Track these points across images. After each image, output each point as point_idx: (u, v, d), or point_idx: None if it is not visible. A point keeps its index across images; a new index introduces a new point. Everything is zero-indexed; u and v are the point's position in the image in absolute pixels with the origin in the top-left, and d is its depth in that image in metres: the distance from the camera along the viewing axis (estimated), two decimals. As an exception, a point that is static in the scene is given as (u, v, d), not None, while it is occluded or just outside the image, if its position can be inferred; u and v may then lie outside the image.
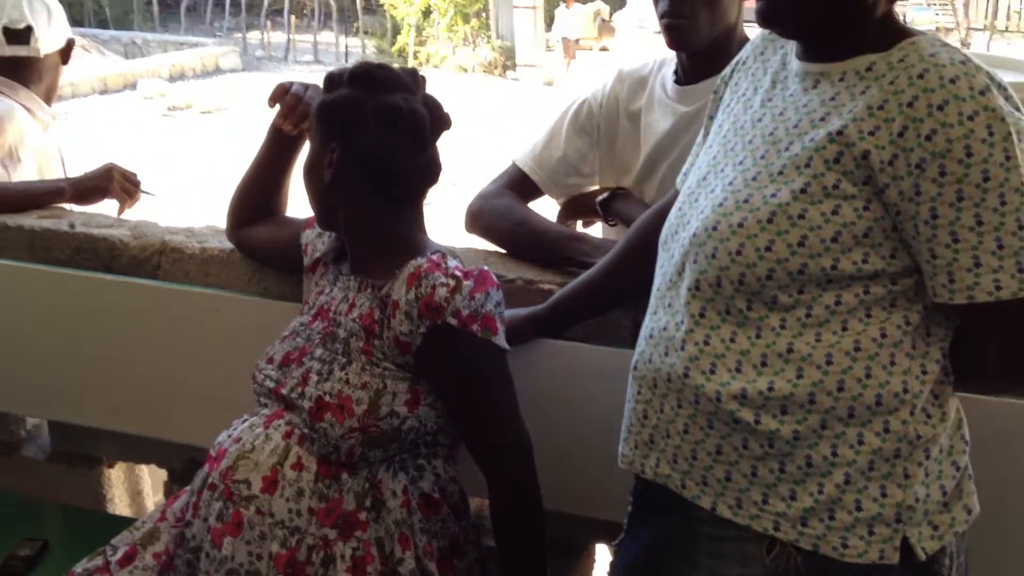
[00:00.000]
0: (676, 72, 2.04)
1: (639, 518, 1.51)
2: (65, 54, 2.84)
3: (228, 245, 2.18)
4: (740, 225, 1.33)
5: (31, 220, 2.38)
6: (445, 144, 1.78)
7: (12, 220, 2.37)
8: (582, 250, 1.97)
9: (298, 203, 2.07)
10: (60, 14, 2.81)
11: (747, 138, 1.42)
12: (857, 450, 1.31)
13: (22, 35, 2.70)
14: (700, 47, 1.93)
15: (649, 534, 1.47)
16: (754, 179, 1.36)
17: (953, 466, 1.38)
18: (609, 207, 2.12)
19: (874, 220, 1.29)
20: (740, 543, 1.36)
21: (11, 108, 2.64)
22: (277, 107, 1.99)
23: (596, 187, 2.21)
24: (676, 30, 1.90)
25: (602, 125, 2.15)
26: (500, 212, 2.11)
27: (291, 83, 2.00)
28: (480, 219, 2.13)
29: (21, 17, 2.67)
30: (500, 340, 1.67)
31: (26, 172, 2.63)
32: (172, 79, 16.07)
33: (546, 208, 2.19)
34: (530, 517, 1.71)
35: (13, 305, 2.31)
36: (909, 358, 1.32)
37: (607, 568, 1.57)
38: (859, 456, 1.31)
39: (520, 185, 2.17)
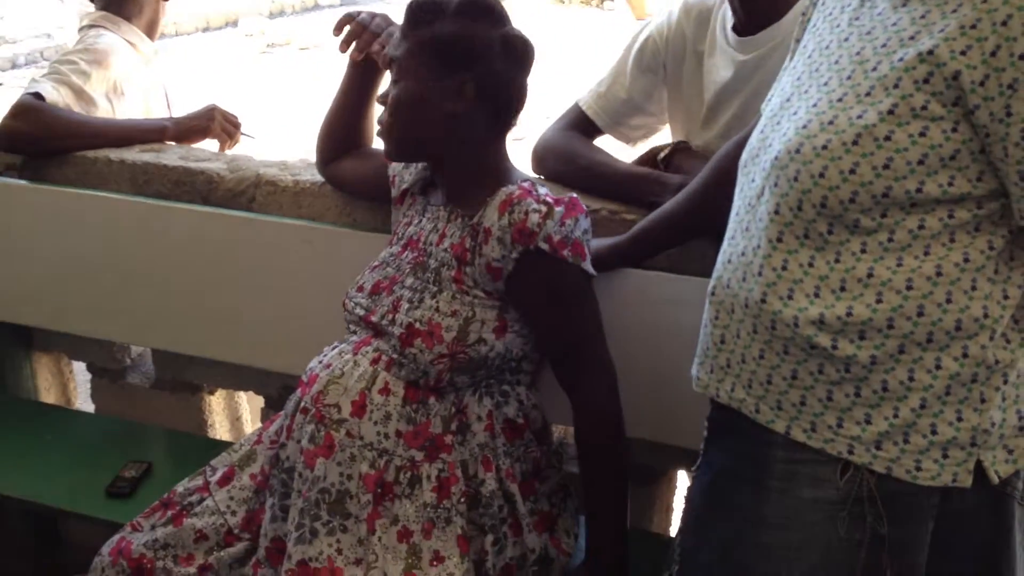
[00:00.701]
0: (733, 18, 1.95)
1: (714, 443, 1.52)
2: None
3: (320, 178, 2.21)
4: (824, 147, 1.31)
5: (133, 154, 2.45)
6: (538, 77, 1.77)
7: (115, 154, 2.45)
8: (651, 190, 1.95)
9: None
10: None
11: (833, 58, 1.39)
12: (934, 375, 1.30)
13: None
14: None
15: (723, 458, 1.48)
16: (839, 100, 1.33)
17: None
18: (671, 162, 2.06)
19: (962, 142, 1.26)
20: (813, 466, 1.36)
21: (115, 42, 2.69)
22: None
23: (666, 125, 2.16)
24: None
25: (668, 63, 2.07)
26: (566, 155, 2.07)
27: (357, 12, 2.02)
28: (546, 162, 2.10)
29: None
30: (588, 266, 1.70)
31: (130, 106, 2.69)
32: (272, 16, 16.20)
33: (613, 146, 2.15)
34: (613, 441, 1.73)
35: (116, 237, 2.39)
36: (991, 283, 1.30)
37: (685, 493, 1.58)
38: (936, 381, 1.30)
39: (584, 127, 2.12)
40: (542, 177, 2.09)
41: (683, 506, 1.58)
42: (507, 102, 1.74)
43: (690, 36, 2.04)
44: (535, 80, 1.77)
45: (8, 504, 2.27)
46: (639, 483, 2.00)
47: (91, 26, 2.72)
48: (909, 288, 1.29)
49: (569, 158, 2.07)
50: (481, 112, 1.73)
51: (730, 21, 1.96)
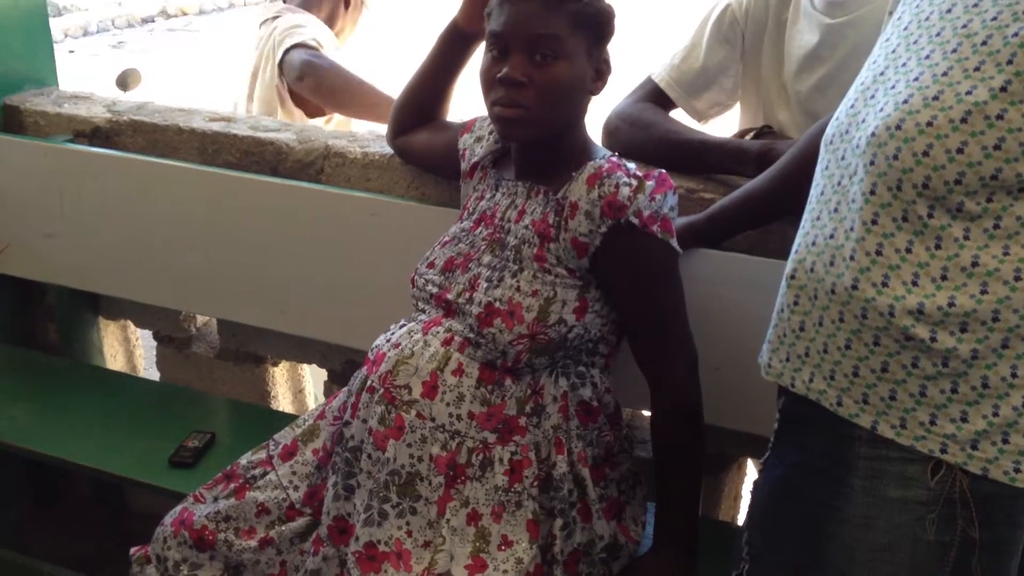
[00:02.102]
0: None
1: (786, 436, 1.45)
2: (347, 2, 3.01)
3: (388, 150, 2.18)
4: (929, 124, 1.23)
5: (202, 123, 2.44)
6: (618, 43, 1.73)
7: (184, 123, 2.44)
8: (729, 157, 1.90)
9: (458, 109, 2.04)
10: None
11: (934, 30, 1.31)
12: None
13: None
14: None
15: (798, 452, 1.42)
16: (944, 74, 1.25)
17: None
18: None
19: None
20: (902, 464, 1.30)
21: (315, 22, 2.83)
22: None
23: (737, 102, 2.09)
24: None
25: (747, 34, 2.01)
26: (639, 124, 2.02)
27: None
28: (619, 134, 2.05)
29: None
30: (676, 243, 1.66)
31: None
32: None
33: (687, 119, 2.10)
34: (691, 424, 1.70)
35: (185, 206, 2.38)
36: None
37: (752, 486, 1.52)
38: None
39: (656, 100, 2.07)
40: (614, 150, 2.04)
41: (749, 501, 1.52)
42: (608, 76, 1.72)
43: (773, 4, 1.98)
44: (621, 46, 1.72)
45: (76, 471, 2.29)
46: (707, 471, 1.96)
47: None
48: (1018, 279, 1.22)
49: (642, 127, 2.02)
50: (597, 87, 1.71)
51: None
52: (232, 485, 1.88)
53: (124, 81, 4.73)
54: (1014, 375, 1.24)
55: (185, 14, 13.79)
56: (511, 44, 1.63)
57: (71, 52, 11.83)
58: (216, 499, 1.88)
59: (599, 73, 1.69)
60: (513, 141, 1.74)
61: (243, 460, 1.92)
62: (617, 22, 1.70)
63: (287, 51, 2.75)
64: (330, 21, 2.98)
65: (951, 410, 1.26)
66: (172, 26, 13.29)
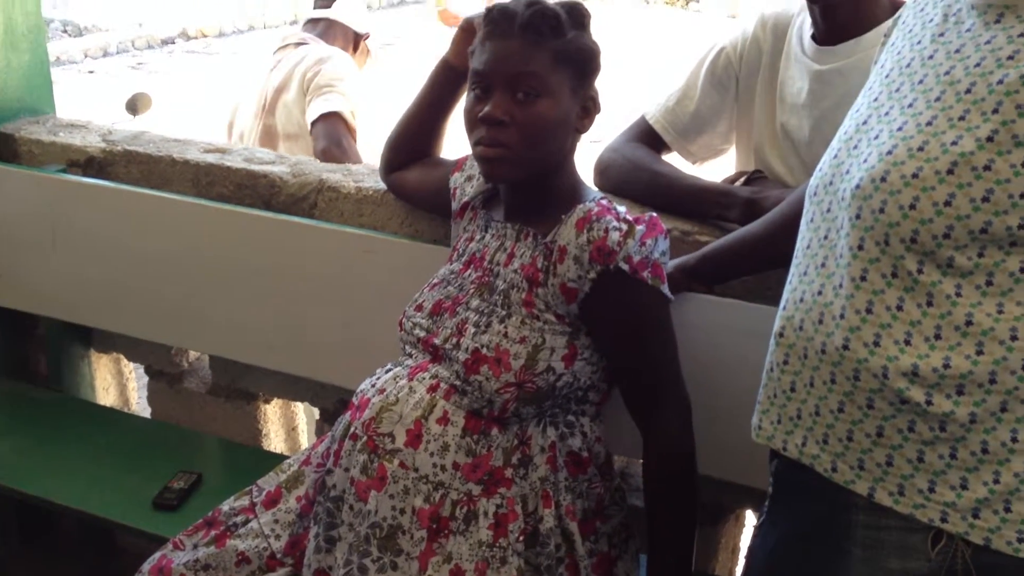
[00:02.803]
0: (812, 29, 1.86)
1: (781, 501, 1.40)
2: (357, 41, 3.29)
3: (383, 186, 2.15)
4: (915, 175, 1.19)
5: (196, 154, 2.41)
6: (612, 81, 1.69)
7: (179, 154, 2.42)
8: (719, 203, 1.87)
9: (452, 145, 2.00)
10: (363, 7, 3.33)
11: (916, 78, 1.27)
12: None
13: (327, 2, 3.24)
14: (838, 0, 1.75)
15: (794, 519, 1.37)
16: (929, 124, 1.21)
17: None
18: None
19: None
20: (901, 533, 1.24)
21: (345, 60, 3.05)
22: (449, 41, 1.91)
23: (731, 147, 2.06)
24: None
25: (741, 78, 1.98)
26: (632, 165, 1.99)
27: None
28: (610, 173, 2.02)
29: None
30: (667, 289, 1.62)
31: None
32: (359, 11, 16.34)
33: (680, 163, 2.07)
34: (684, 474, 1.65)
35: (178, 239, 2.35)
36: None
37: (746, 552, 1.46)
38: None
39: (649, 141, 2.04)
40: (604, 189, 2.00)
41: (744, 567, 1.47)
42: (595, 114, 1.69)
43: (767, 49, 1.95)
44: (617, 83, 1.68)
45: (60, 511, 2.26)
46: (703, 522, 1.90)
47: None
48: (1014, 339, 1.17)
49: (633, 169, 1.99)
50: (585, 126, 1.68)
51: (808, 31, 1.87)
52: (212, 532, 1.84)
53: (134, 105, 4.73)
54: (1014, 440, 1.19)
55: (205, 36, 13.87)
56: (493, 82, 1.59)
57: (91, 72, 11.90)
58: (196, 546, 1.83)
59: (585, 110, 1.65)
60: (497, 181, 1.70)
61: (225, 506, 1.87)
62: (604, 59, 1.66)
63: (324, 115, 2.94)
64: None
65: (950, 476, 1.21)
66: (192, 48, 13.37)
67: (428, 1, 16.40)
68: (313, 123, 2.95)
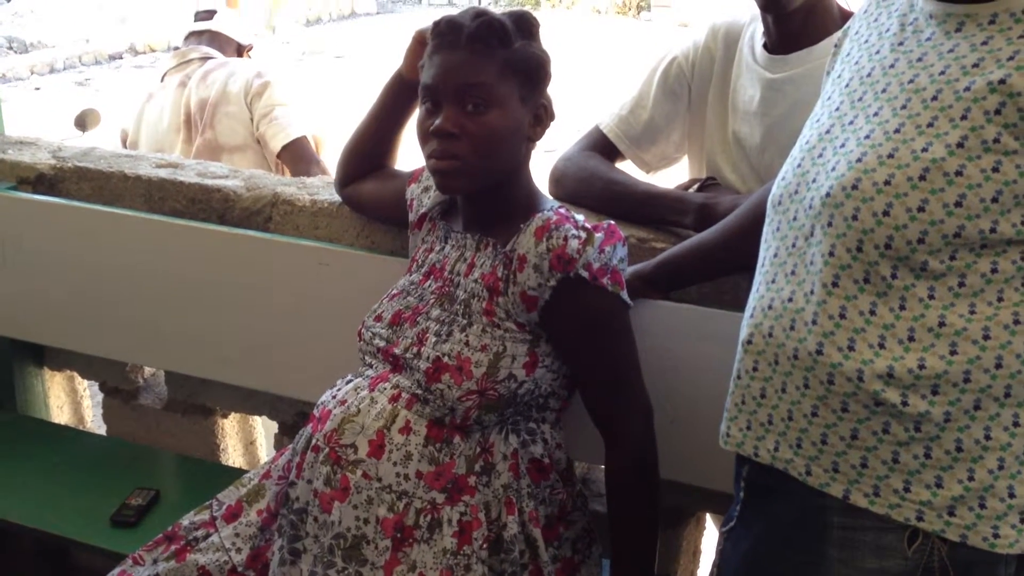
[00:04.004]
0: (764, 37, 1.89)
1: (753, 506, 1.40)
2: (240, 51, 3.32)
3: (338, 198, 2.14)
4: (887, 183, 1.21)
5: (149, 170, 2.39)
6: (565, 90, 1.70)
7: (130, 169, 2.39)
8: (672, 209, 1.89)
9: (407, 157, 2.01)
10: (248, 18, 3.36)
11: (879, 87, 1.29)
12: (1012, 432, 1.21)
13: (207, 15, 3.27)
14: (792, 8, 1.77)
15: (767, 523, 1.38)
16: (897, 131, 1.23)
17: None
18: None
19: None
20: (877, 534, 1.26)
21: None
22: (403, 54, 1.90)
23: (684, 155, 2.09)
24: None
25: (693, 87, 2.01)
26: (586, 174, 2.01)
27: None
28: (564, 182, 2.03)
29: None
30: (626, 295, 1.63)
31: None
32: (308, 24, 16.30)
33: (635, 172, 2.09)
34: (646, 478, 1.66)
35: (129, 255, 2.33)
36: None
37: (716, 556, 1.48)
38: (1014, 439, 1.21)
39: (603, 150, 2.06)
40: (558, 198, 2.01)
41: (715, 573, 1.47)
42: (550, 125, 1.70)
43: (718, 57, 1.97)
44: (570, 91, 1.70)
45: (16, 530, 2.22)
46: (665, 525, 1.92)
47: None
48: (986, 338, 1.20)
49: (587, 176, 2.00)
50: (539, 135, 1.68)
51: (760, 40, 1.89)
52: (173, 547, 1.82)
53: (83, 121, 4.69)
54: (987, 437, 1.21)
55: (153, 51, 13.76)
56: (442, 95, 1.60)
57: (37, 89, 11.76)
58: (156, 561, 1.82)
59: (537, 119, 1.66)
60: (452, 193, 1.71)
61: (185, 521, 1.86)
62: (557, 68, 1.67)
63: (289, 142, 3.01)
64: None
65: (925, 476, 1.23)
66: (140, 63, 13.25)
67: (380, 14, 16.37)
68: (280, 151, 3.00)
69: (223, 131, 3.03)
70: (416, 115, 1.69)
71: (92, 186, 2.42)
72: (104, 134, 4.32)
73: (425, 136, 1.62)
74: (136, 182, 2.37)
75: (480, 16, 1.60)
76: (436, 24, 1.63)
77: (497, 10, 1.66)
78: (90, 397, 2.93)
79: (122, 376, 2.63)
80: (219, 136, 3.02)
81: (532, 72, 1.63)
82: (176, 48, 3.35)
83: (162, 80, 3.20)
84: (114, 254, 2.34)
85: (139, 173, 2.38)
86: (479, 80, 1.58)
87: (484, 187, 1.65)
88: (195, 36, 3.26)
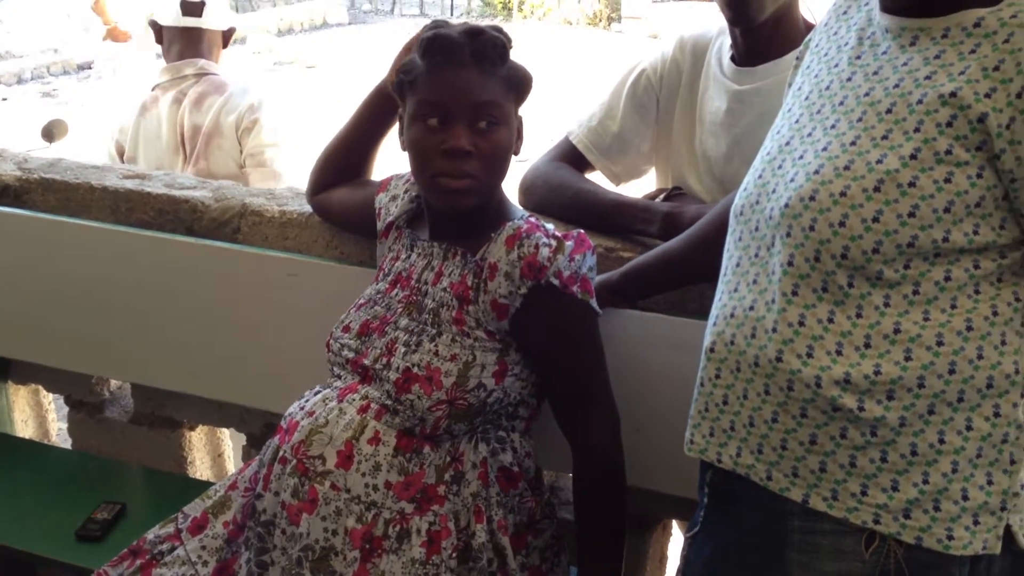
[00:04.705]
0: (731, 50, 1.91)
1: (716, 511, 1.42)
2: (226, 37, 3.19)
3: (307, 208, 2.14)
4: (843, 194, 1.24)
5: (116, 181, 2.38)
6: (537, 100, 1.71)
7: (97, 181, 2.38)
8: (640, 218, 1.90)
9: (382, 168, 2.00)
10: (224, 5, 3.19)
11: (836, 99, 1.32)
12: (965, 436, 1.24)
13: (196, 8, 3.05)
14: (760, 22, 1.79)
15: (730, 528, 1.40)
16: (853, 143, 1.26)
17: None
18: None
19: (986, 189, 1.21)
20: (835, 537, 1.28)
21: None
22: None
23: (652, 167, 2.11)
24: (738, 4, 1.76)
25: (661, 99, 2.03)
26: (554, 183, 2.03)
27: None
28: (534, 192, 2.05)
29: None
30: (596, 303, 1.64)
31: None
32: (280, 34, 16.25)
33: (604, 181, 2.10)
34: (613, 486, 1.67)
35: (96, 267, 2.31)
36: (1019, 336, 1.25)
37: (681, 561, 1.49)
38: (967, 443, 1.24)
39: (573, 160, 2.08)
40: (528, 208, 2.01)
41: None
42: None
43: (686, 70, 1.99)
44: (540, 102, 1.71)
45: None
46: (631, 532, 1.92)
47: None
48: (940, 344, 1.22)
49: (556, 186, 2.02)
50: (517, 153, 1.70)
51: (727, 53, 1.91)
52: (138, 562, 1.81)
53: (50, 132, 4.66)
54: (941, 441, 1.23)
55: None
56: (454, 113, 1.58)
57: (4, 100, 11.65)
58: (122, 576, 1.80)
59: (519, 134, 1.68)
60: (462, 211, 1.65)
61: (150, 535, 1.85)
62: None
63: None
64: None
65: (882, 479, 1.25)
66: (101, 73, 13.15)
67: (351, 24, 16.37)
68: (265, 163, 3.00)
69: (216, 162, 2.98)
70: (399, 128, 1.69)
71: (58, 197, 2.40)
72: (71, 145, 4.30)
73: (431, 154, 1.60)
74: (103, 193, 2.35)
75: (480, 33, 1.60)
76: (431, 41, 1.60)
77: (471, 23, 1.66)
78: (55, 411, 2.90)
79: (88, 389, 2.61)
80: (212, 166, 2.98)
81: (524, 89, 1.65)
82: (159, 53, 3.22)
83: (152, 91, 3.09)
84: (80, 266, 2.32)
85: (106, 184, 2.36)
86: (492, 98, 1.59)
87: (482, 203, 1.66)
88: (183, 34, 3.07)
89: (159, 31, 3.11)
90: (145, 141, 3.07)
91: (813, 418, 1.27)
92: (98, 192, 2.36)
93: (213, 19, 3.10)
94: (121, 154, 3.13)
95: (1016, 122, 1.17)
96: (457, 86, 1.59)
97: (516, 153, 1.68)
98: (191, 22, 3.05)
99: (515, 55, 1.66)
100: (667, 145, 2.05)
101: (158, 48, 3.20)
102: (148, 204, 2.31)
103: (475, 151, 1.58)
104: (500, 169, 1.63)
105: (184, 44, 3.07)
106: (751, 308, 1.33)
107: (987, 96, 1.18)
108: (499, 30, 1.65)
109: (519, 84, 1.64)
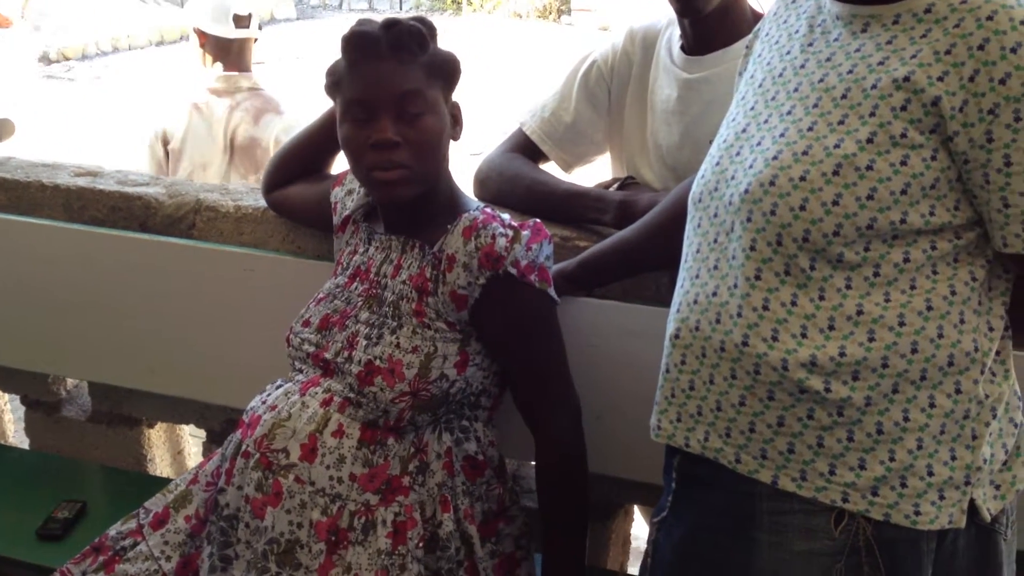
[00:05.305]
0: (681, 39, 1.94)
1: (685, 496, 1.44)
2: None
3: (262, 203, 2.14)
4: (802, 178, 1.26)
5: (67, 179, 2.36)
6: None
7: (48, 179, 2.36)
8: (592, 207, 1.93)
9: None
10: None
11: (791, 86, 1.34)
12: (929, 413, 1.26)
13: (246, 21, 3.30)
14: (708, 11, 1.81)
15: (699, 512, 1.41)
16: (810, 129, 1.28)
17: (1011, 423, 1.35)
18: None
19: (940, 170, 1.24)
20: (805, 516, 1.30)
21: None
22: None
23: (605, 153, 2.13)
24: None
25: (613, 89, 2.05)
26: (509, 174, 2.04)
27: None
28: (488, 182, 2.07)
29: (248, 4, 3.29)
30: (554, 292, 1.66)
31: None
32: (257, 39, 16.04)
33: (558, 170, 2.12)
34: (575, 473, 1.69)
35: (50, 265, 2.29)
36: (977, 315, 1.28)
37: (648, 545, 1.50)
38: (931, 420, 1.26)
39: (527, 151, 2.09)
40: (484, 199, 2.02)
41: (648, 563, 1.49)
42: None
43: (636, 61, 2.02)
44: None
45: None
46: (594, 518, 1.95)
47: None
48: (902, 324, 1.25)
49: (511, 177, 2.04)
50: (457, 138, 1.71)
51: (677, 43, 1.94)
52: (101, 558, 1.80)
53: (-4, 132, 4.58)
54: (906, 419, 1.26)
55: (67, 59, 13.42)
56: (377, 106, 1.60)
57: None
58: (84, 574, 1.80)
59: (455, 119, 1.69)
60: (399, 202, 1.68)
61: (112, 531, 1.84)
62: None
63: None
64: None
65: (849, 458, 1.27)
66: (52, 72, 12.94)
67: (299, 20, 16.22)
68: None
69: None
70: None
71: (9, 196, 2.37)
72: (19, 144, 4.23)
73: (361, 150, 1.62)
74: (55, 191, 2.33)
75: (394, 24, 1.62)
76: (348, 39, 1.63)
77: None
78: (11, 411, 2.87)
79: (44, 389, 2.58)
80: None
81: (450, 74, 1.66)
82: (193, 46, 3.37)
83: (206, 94, 3.28)
84: (34, 265, 2.30)
85: (57, 182, 2.34)
86: (413, 87, 1.60)
87: (424, 192, 1.66)
88: (233, 44, 3.29)
89: (204, 38, 3.30)
90: (195, 137, 3.25)
91: (780, 400, 1.29)
92: (50, 190, 2.33)
93: (255, 29, 3.35)
94: (164, 143, 3.30)
95: (968, 105, 1.20)
96: (377, 79, 1.60)
97: (455, 139, 1.70)
98: (243, 34, 3.29)
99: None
100: (619, 135, 2.07)
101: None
102: (101, 201, 2.30)
103: (403, 141, 1.60)
104: (433, 156, 1.64)
105: (234, 53, 3.30)
106: (714, 294, 1.35)
107: (940, 80, 1.21)
108: (420, 19, 1.66)
109: (444, 69, 1.65)
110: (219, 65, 3.30)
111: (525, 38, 14.96)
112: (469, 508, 1.69)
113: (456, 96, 1.71)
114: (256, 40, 3.39)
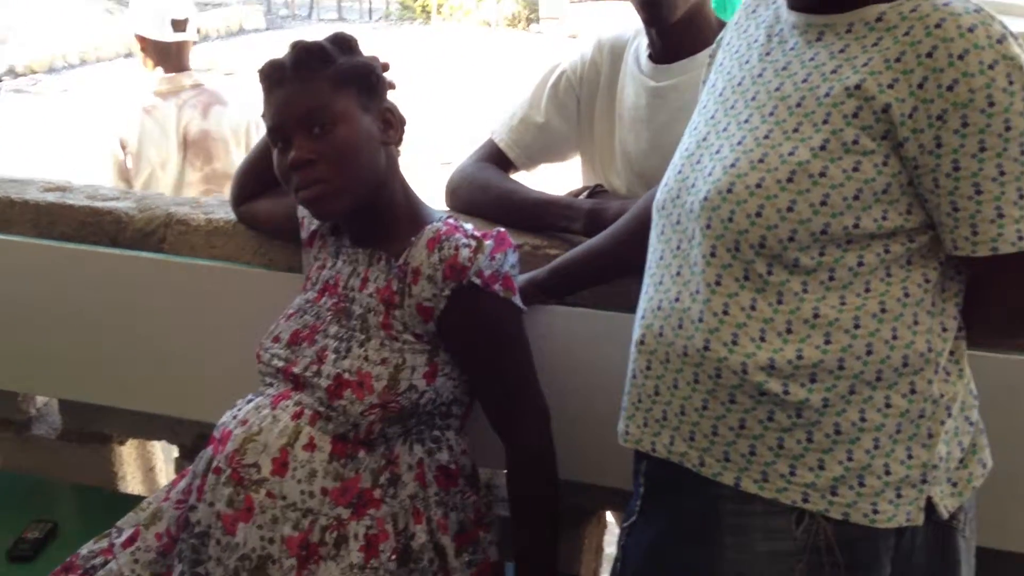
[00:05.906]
0: (648, 49, 1.96)
1: (653, 499, 1.45)
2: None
3: (233, 216, 2.13)
4: (758, 185, 1.28)
5: (36, 194, 2.34)
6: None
7: (17, 194, 2.34)
8: (562, 215, 1.94)
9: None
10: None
11: (748, 95, 1.37)
12: (885, 413, 1.28)
13: (183, 24, 3.46)
14: (674, 20, 1.84)
15: (667, 515, 1.43)
16: (766, 137, 1.30)
17: (967, 421, 1.37)
18: None
19: (892, 176, 1.26)
20: (766, 518, 1.32)
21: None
22: None
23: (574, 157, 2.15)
24: (652, 5, 1.82)
25: (582, 98, 2.07)
26: (480, 184, 2.05)
27: None
28: (460, 193, 2.08)
29: (185, 9, 3.45)
30: (519, 300, 1.67)
31: None
32: (196, 42, 16.01)
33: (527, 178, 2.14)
34: (545, 480, 1.69)
35: (19, 282, 2.27)
36: (930, 316, 1.30)
37: (618, 550, 1.51)
38: (887, 420, 1.28)
39: (497, 161, 2.11)
40: (449, 210, 2.06)
41: (618, 567, 1.50)
42: (403, 129, 1.73)
43: (605, 71, 2.04)
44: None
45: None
46: (567, 525, 1.95)
47: None
48: (857, 327, 1.27)
49: (481, 187, 2.05)
50: (395, 143, 1.71)
51: (644, 52, 1.96)
52: (72, 578, 1.78)
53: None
54: (863, 419, 1.28)
55: (34, 72, 13.35)
56: (289, 130, 1.62)
57: None
58: (55, 594, 1.78)
59: (387, 123, 1.69)
60: (331, 218, 1.71)
61: (83, 550, 1.83)
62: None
63: None
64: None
65: (808, 459, 1.29)
66: (18, 86, 12.85)
67: (269, 30, 16.19)
68: None
69: (230, 164, 3.35)
70: None
71: (-25, 214, 2.35)
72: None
73: (286, 175, 1.65)
74: (23, 207, 2.31)
75: (295, 45, 1.65)
76: (261, 69, 1.66)
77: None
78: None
79: (13, 407, 2.56)
80: (228, 168, 3.35)
81: (364, 79, 1.66)
82: (128, 55, 3.58)
83: (151, 96, 3.42)
84: (2, 282, 2.28)
85: (26, 198, 2.32)
86: (316, 103, 1.61)
87: (359, 203, 1.67)
88: (172, 47, 3.45)
89: (145, 43, 3.46)
90: (150, 139, 3.38)
91: (741, 403, 1.31)
92: (18, 206, 2.31)
93: (193, 32, 3.52)
94: (123, 147, 3.38)
95: (918, 111, 1.22)
96: (284, 103, 1.63)
97: (393, 143, 1.70)
98: (181, 37, 3.46)
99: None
100: (589, 144, 2.09)
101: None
102: (70, 216, 2.28)
103: (318, 157, 1.61)
104: (353, 165, 1.63)
105: (174, 55, 3.46)
106: (676, 300, 1.37)
107: (890, 87, 1.23)
108: (332, 35, 1.68)
109: (353, 76, 1.65)
110: (160, 69, 3.44)
111: (495, 46, 15.01)
112: (443, 519, 1.68)
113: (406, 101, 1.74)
114: (195, 43, 3.56)
